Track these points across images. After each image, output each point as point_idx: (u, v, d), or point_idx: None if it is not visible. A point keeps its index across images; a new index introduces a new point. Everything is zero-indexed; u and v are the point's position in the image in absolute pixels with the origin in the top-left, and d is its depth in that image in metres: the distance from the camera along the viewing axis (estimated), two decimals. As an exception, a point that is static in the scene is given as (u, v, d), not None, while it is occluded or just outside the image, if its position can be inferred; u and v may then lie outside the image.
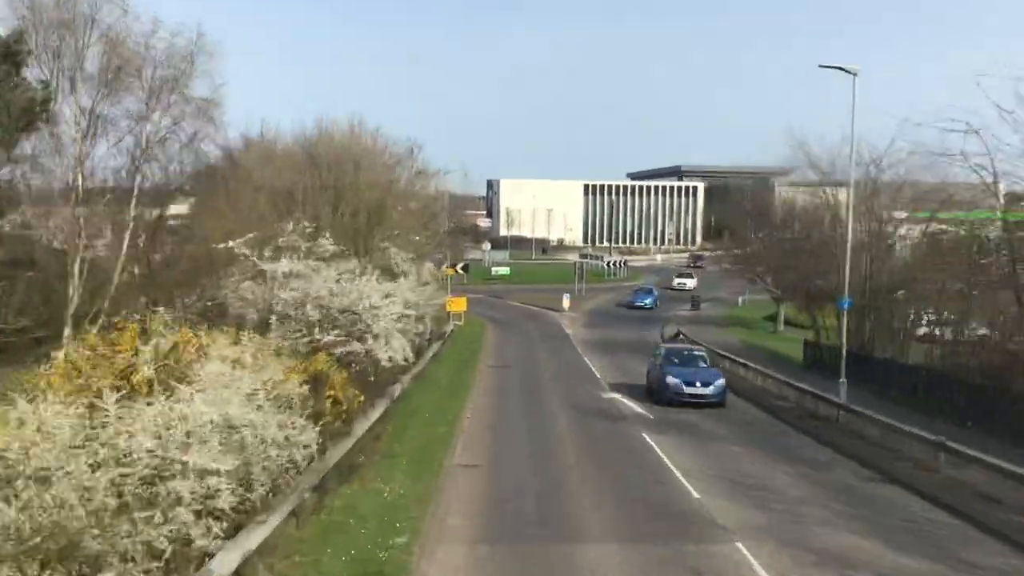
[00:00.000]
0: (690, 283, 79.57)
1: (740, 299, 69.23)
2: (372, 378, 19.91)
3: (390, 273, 30.22)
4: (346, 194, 35.42)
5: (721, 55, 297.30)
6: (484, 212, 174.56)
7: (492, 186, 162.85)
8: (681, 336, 46.88)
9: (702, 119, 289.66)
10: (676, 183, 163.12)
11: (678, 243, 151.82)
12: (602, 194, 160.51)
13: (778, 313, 53.04)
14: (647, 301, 64.60)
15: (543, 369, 34.96)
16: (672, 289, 75.98)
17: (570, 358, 38.90)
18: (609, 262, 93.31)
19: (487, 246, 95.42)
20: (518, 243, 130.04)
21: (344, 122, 37.90)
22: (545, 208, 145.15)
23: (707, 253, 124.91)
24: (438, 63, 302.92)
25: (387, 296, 22.74)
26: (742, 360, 34.37)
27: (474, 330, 48.78)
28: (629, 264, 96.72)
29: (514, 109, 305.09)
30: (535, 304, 66.03)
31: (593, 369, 34.92)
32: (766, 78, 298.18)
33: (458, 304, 52.02)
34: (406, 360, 26.40)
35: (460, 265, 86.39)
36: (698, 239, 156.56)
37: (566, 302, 62.78)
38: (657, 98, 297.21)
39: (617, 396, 28.04)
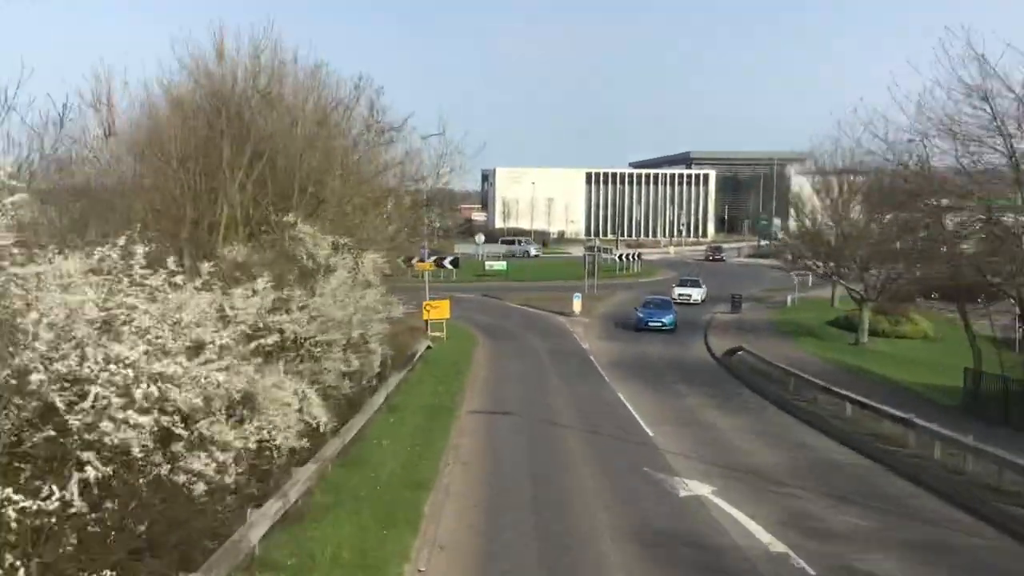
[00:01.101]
0: (696, 294, 55.03)
1: (789, 298, 56.54)
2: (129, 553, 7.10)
3: (303, 271, 17.39)
4: (250, 145, 22.59)
5: (725, 35, 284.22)
6: (479, 205, 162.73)
7: (487, 178, 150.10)
8: (743, 351, 34.13)
9: (708, 106, 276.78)
10: (685, 171, 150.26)
11: (688, 235, 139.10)
12: (606, 183, 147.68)
13: (861, 319, 40.22)
14: (666, 320, 43.35)
15: (561, 422, 22.17)
16: (674, 302, 49.36)
17: (598, 398, 26.08)
18: (621, 255, 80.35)
19: (480, 238, 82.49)
20: (515, 235, 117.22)
21: (247, 37, 24.67)
22: (545, 198, 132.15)
23: (726, 245, 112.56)
24: (423, 43, 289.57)
25: (225, 319, 9.94)
26: (885, 407, 21.52)
27: (459, 346, 36.01)
28: (642, 258, 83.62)
29: (510, 95, 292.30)
30: (537, 306, 53.27)
31: (640, 421, 22.13)
32: (777, 62, 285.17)
33: (438, 310, 39.40)
34: (316, 427, 13.93)
35: (448, 259, 74.25)
36: (710, 230, 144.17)
37: (577, 304, 50.03)
38: (661, 83, 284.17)
39: (705, 493, 15.19)
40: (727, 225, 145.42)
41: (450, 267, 68.23)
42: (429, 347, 35.10)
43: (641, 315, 44.10)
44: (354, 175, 28.03)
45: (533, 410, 23.39)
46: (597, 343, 38.92)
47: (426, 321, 39.21)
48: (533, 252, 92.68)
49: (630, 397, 25.62)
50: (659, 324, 43.25)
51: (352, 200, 27.13)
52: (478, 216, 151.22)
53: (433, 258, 75.09)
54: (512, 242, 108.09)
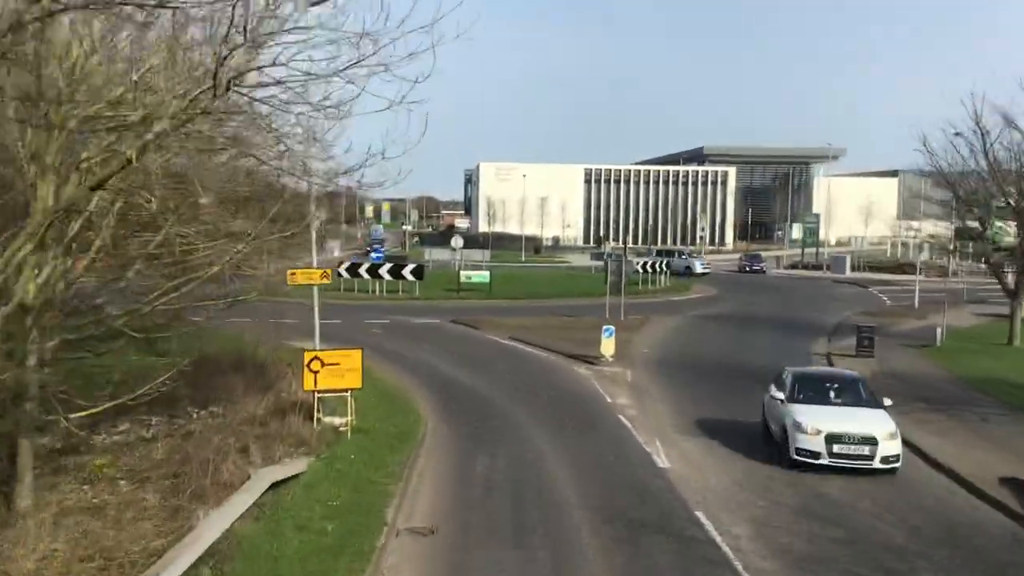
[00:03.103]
0: (888, 438, 16.14)
1: (938, 331, 35.51)
2: None
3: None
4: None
5: (728, 24, 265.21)
6: (462, 212, 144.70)
7: (471, 178, 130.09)
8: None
9: (723, 97, 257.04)
10: (699, 168, 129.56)
11: (706, 242, 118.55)
12: (608, 182, 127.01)
13: None
14: None
15: None
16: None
17: None
18: (645, 264, 58.99)
19: (458, 242, 60.79)
20: (501, 241, 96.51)
21: None
22: (537, 198, 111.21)
23: (765, 253, 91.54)
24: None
25: None
26: None
27: (370, 464, 14.73)
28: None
29: (501, 89, 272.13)
30: (539, 343, 32.15)
31: None
32: (781, 54, 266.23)
33: (338, 374, 18.24)
34: None
35: (409, 268, 52.78)
36: (728, 235, 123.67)
37: (608, 345, 28.87)
38: (663, 78, 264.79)
39: None
40: (749, 230, 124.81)
41: (412, 278, 48.13)
42: (295, 476, 14.18)
43: None
44: None
45: None
46: (684, 449, 17.67)
47: (314, 395, 18.06)
48: (699, 269, 69.59)
49: None
50: None
51: None
52: (461, 223, 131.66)
53: (388, 265, 53.03)
54: (667, 252, 72.52)
